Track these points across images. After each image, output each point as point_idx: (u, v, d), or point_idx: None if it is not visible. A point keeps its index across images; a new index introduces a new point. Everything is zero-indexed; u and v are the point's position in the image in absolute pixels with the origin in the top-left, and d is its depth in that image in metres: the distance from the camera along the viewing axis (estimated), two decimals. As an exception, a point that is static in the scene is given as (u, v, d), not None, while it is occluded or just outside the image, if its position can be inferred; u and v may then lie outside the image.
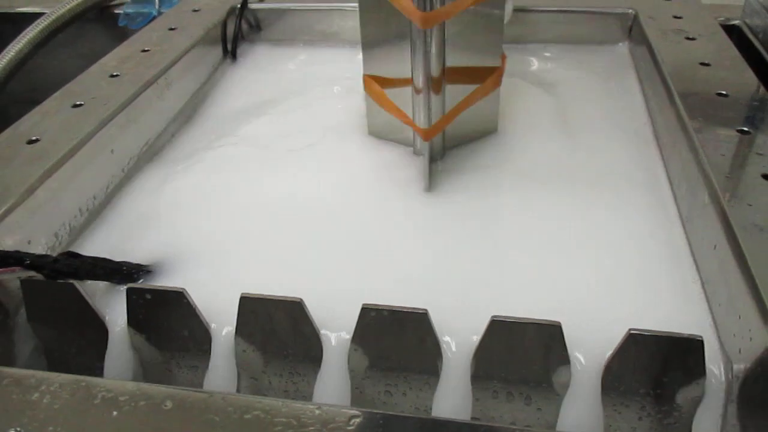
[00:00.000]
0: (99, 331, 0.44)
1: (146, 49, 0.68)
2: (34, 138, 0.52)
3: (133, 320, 0.44)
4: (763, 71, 0.69)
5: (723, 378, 0.38)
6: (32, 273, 0.43)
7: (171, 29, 0.73)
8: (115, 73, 0.63)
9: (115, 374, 0.45)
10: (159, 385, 0.32)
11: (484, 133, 0.61)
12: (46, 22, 0.88)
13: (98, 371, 0.45)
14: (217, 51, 0.77)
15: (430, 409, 0.43)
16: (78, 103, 0.58)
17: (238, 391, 0.45)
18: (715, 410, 0.38)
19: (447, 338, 0.41)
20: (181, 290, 0.42)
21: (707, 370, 0.38)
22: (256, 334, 0.43)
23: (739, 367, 0.36)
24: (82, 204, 0.53)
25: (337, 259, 0.48)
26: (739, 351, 0.36)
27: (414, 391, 0.43)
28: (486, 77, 0.57)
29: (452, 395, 0.42)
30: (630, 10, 0.73)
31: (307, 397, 0.45)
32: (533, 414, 0.42)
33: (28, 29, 0.86)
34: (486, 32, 0.55)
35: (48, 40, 0.90)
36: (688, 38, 0.64)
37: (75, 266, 0.44)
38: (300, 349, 0.43)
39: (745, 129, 0.49)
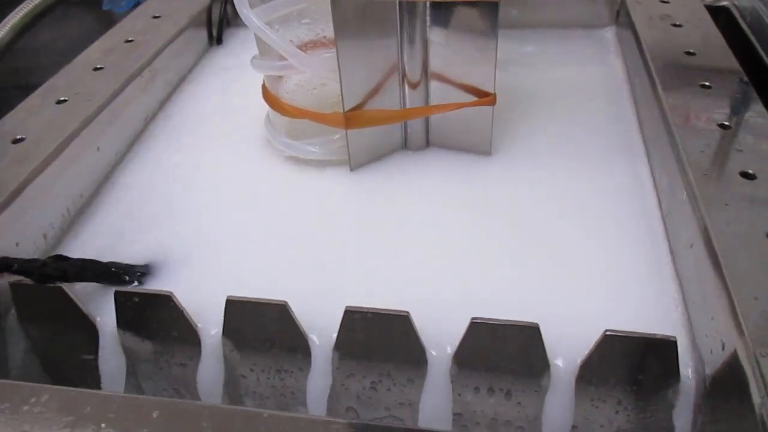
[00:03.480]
0: (89, 331, 0.45)
1: (130, 39, 0.67)
2: (18, 137, 0.52)
3: (122, 322, 0.45)
4: (749, 55, 0.69)
5: (695, 377, 0.39)
6: (21, 277, 0.44)
7: (155, 17, 0.72)
8: (98, 66, 0.62)
9: (107, 372, 0.46)
10: (146, 396, 0.33)
11: (474, 151, 0.57)
12: (29, 7, 0.87)
13: (90, 368, 0.47)
14: (202, 37, 0.77)
15: (416, 403, 0.44)
16: (62, 98, 0.57)
17: (226, 386, 0.46)
18: (687, 407, 0.39)
19: (428, 337, 0.42)
20: (168, 293, 0.43)
21: (682, 369, 0.39)
22: (243, 335, 0.44)
23: (710, 367, 0.37)
24: (69, 203, 0.53)
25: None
26: (711, 352, 0.37)
27: (398, 387, 0.45)
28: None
29: (435, 391, 0.43)
30: (617, -6, 0.73)
31: (295, 392, 0.46)
32: (513, 408, 0.44)
33: (10, 15, 0.85)
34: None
35: (32, 25, 0.88)
36: (674, 25, 0.64)
37: (63, 269, 0.44)
38: (286, 348, 0.44)
39: (726, 123, 0.49)
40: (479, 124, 0.55)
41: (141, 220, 0.53)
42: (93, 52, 0.65)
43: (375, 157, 0.57)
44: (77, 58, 0.64)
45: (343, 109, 0.53)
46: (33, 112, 0.56)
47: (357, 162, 0.56)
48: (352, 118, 0.53)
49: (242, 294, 0.43)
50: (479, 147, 0.57)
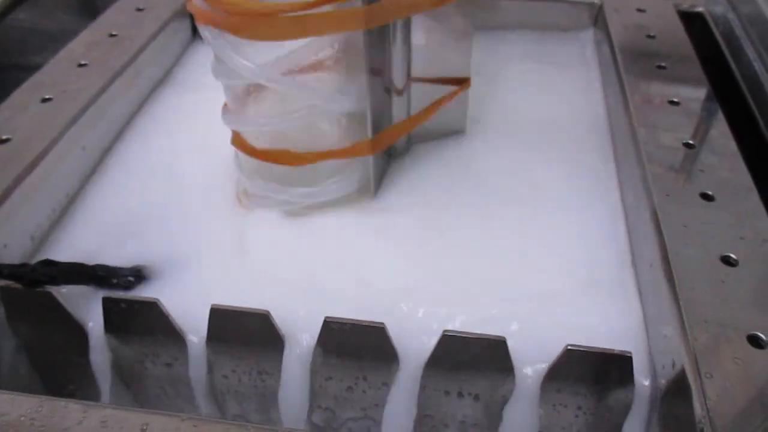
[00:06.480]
0: (77, 332, 0.47)
1: (114, 33, 0.67)
2: (5, 137, 0.53)
3: (109, 326, 0.46)
4: (719, 63, 0.71)
5: (650, 387, 0.42)
6: (10, 282, 0.45)
7: (138, 10, 0.72)
8: (83, 62, 0.63)
9: (94, 371, 0.48)
10: (136, 409, 0.35)
11: (451, 132, 0.62)
12: (9, -10, 0.86)
13: (78, 367, 0.48)
14: (185, 29, 0.77)
15: (390, 404, 0.47)
16: (47, 97, 0.58)
17: (210, 385, 0.49)
18: (641, 414, 0.42)
19: (401, 346, 0.44)
20: (154, 300, 0.45)
21: (637, 380, 0.42)
22: (226, 340, 0.46)
23: (662, 380, 0.40)
24: (55, 203, 0.54)
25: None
26: (663, 367, 0.40)
27: (373, 390, 0.47)
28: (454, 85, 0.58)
29: (408, 394, 0.46)
30: (596, 0, 0.74)
31: (275, 393, 0.49)
32: (481, 411, 0.47)
33: (-8, -2, 0.85)
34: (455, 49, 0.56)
35: (16, 4, 0.88)
36: (648, 36, 0.65)
37: (52, 274, 0.46)
38: (267, 352, 0.46)
39: (691, 142, 0.52)
40: (456, 107, 0.59)
41: (127, 219, 0.54)
42: (77, 47, 0.65)
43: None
44: (61, 52, 0.65)
45: (371, 135, 0.51)
46: (18, 110, 0.56)
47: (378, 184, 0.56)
48: (377, 141, 0.52)
49: (227, 295, 0.45)
50: (456, 127, 0.61)
